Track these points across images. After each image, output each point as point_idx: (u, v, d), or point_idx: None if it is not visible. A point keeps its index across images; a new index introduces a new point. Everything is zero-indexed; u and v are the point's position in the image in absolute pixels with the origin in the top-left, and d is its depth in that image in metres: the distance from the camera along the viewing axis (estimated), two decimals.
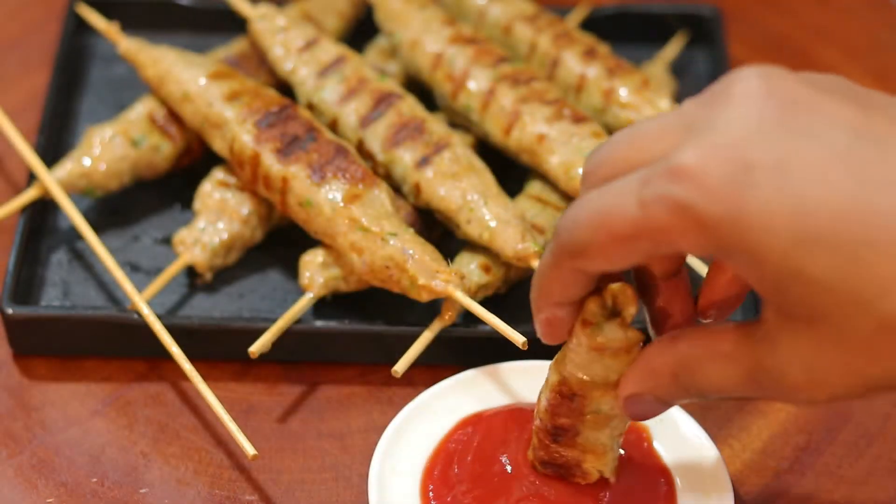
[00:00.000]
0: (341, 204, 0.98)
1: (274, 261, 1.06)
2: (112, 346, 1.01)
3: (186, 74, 1.06)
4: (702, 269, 0.99)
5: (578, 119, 1.04)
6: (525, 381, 0.95)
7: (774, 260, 0.66)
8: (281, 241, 1.06)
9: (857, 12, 1.29)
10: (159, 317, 0.98)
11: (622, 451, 0.89)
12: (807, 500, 0.94)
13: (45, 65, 1.19)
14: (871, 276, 0.65)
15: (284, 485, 0.94)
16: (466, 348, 0.99)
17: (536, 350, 0.94)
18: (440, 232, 1.04)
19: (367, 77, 1.07)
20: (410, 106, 1.05)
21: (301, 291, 1.00)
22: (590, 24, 1.21)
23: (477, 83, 1.07)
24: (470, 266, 1.00)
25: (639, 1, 1.26)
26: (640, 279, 0.80)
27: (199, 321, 0.99)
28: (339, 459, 0.96)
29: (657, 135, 0.71)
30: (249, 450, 0.91)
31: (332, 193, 0.99)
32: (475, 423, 0.92)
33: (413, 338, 0.97)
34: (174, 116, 1.08)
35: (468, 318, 0.99)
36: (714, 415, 0.98)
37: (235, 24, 1.16)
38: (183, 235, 1.03)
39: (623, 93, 1.07)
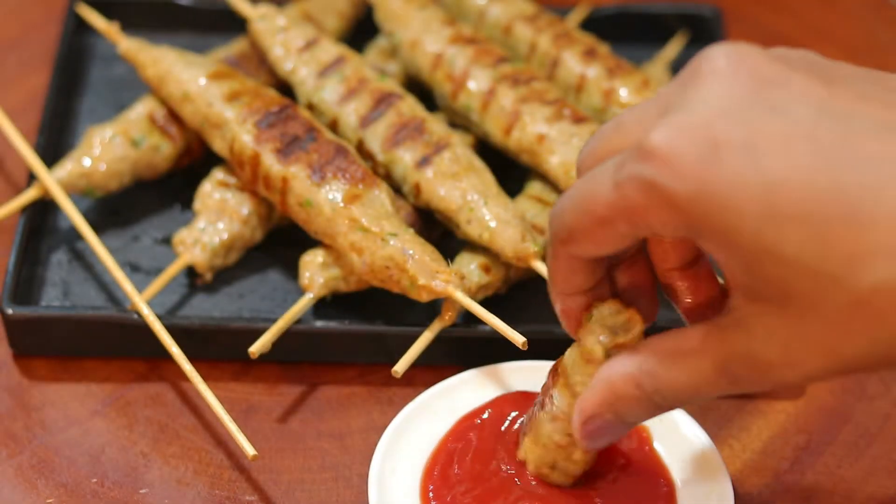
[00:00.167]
0: (341, 204, 0.98)
1: (274, 261, 1.06)
2: (112, 346, 1.01)
3: (186, 74, 1.06)
4: None
5: (578, 119, 1.04)
6: (525, 381, 0.95)
7: (744, 238, 0.67)
8: (281, 241, 1.06)
9: (857, 12, 1.29)
10: (159, 317, 0.98)
11: (622, 453, 0.90)
12: (807, 500, 0.94)
13: (45, 65, 1.19)
14: (841, 252, 0.65)
15: (284, 485, 0.94)
16: (466, 348, 0.99)
17: (536, 350, 0.94)
18: (440, 232, 1.04)
19: (367, 77, 1.07)
20: (410, 106, 1.05)
21: (301, 292, 1.00)
22: (590, 24, 1.21)
23: (477, 83, 1.07)
24: (470, 266, 1.00)
25: (639, 1, 1.26)
26: (664, 280, 0.80)
27: (199, 321, 0.99)
28: (338, 459, 0.96)
29: (636, 120, 0.72)
30: (249, 450, 0.91)
31: (332, 193, 0.99)
32: (475, 423, 0.92)
33: (413, 338, 0.97)
34: (174, 116, 1.08)
35: (468, 318, 0.99)
36: (714, 415, 0.98)
37: (235, 24, 1.16)
38: (183, 235, 1.03)
39: (623, 93, 1.07)
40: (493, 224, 0.99)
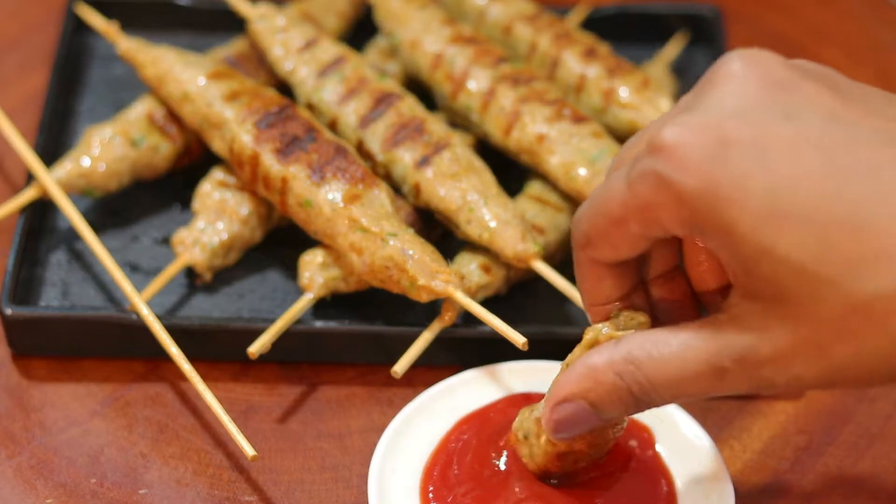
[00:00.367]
0: (341, 204, 0.98)
1: (274, 261, 1.06)
2: (111, 346, 1.01)
3: (186, 74, 1.06)
4: None
5: (578, 119, 1.04)
6: (525, 382, 0.95)
7: (745, 236, 0.68)
8: (281, 241, 1.06)
9: (857, 12, 1.29)
10: (159, 317, 0.98)
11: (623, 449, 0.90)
12: (807, 501, 0.94)
13: (45, 65, 1.19)
14: (839, 257, 0.66)
15: (284, 485, 0.94)
16: (466, 348, 0.99)
17: (536, 350, 0.94)
18: (440, 232, 1.04)
19: (367, 77, 1.07)
20: (410, 106, 1.05)
21: (301, 292, 1.00)
22: (590, 24, 1.21)
23: (477, 83, 1.07)
24: (470, 266, 1.00)
25: (639, 1, 1.26)
26: (704, 301, 0.80)
27: (198, 321, 0.99)
28: (338, 460, 0.96)
29: (657, 125, 0.73)
30: (249, 450, 0.91)
31: (332, 193, 0.98)
32: (475, 424, 0.92)
33: (413, 338, 0.97)
34: (173, 116, 1.08)
35: (468, 318, 0.99)
36: (714, 416, 0.98)
37: (235, 24, 1.16)
38: (182, 235, 1.03)
39: (623, 93, 1.07)
40: (493, 224, 0.99)
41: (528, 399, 0.91)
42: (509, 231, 0.98)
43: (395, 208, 0.99)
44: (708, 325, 0.72)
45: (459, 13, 1.15)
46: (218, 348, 1.00)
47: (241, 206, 1.04)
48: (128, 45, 1.10)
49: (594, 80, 1.09)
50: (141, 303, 0.98)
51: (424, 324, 0.98)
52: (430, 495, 0.89)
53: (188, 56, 1.08)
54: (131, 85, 1.15)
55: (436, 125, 1.04)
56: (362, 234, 0.97)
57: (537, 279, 1.01)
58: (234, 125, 1.03)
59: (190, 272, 1.05)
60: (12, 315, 0.99)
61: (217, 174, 1.06)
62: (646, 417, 0.92)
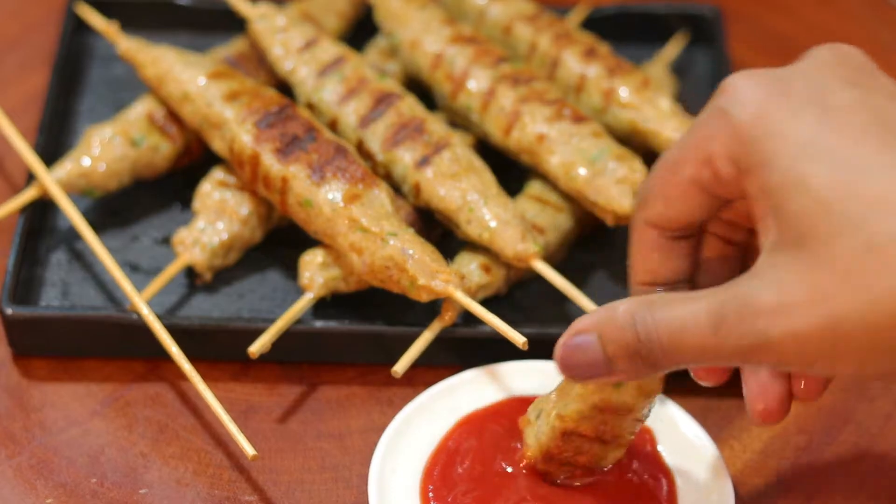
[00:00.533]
0: (341, 204, 0.98)
1: (274, 261, 1.06)
2: (111, 346, 1.01)
3: (186, 74, 1.06)
4: None
5: (578, 119, 1.04)
6: (525, 382, 0.95)
7: (782, 167, 0.71)
8: (281, 241, 1.06)
9: (857, 12, 1.29)
10: (159, 317, 0.98)
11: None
12: (807, 501, 0.94)
13: (45, 65, 1.19)
14: (867, 198, 0.68)
15: (284, 485, 0.94)
16: (466, 348, 0.99)
17: (536, 350, 0.94)
18: (440, 232, 1.04)
19: (367, 77, 1.07)
20: (410, 106, 1.05)
21: (301, 291, 1.00)
22: (590, 24, 1.21)
23: (477, 83, 1.07)
24: (470, 266, 1.00)
25: (639, 1, 1.26)
26: None
27: (198, 321, 0.99)
28: (338, 460, 0.96)
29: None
30: (249, 450, 0.91)
31: (332, 193, 0.98)
32: (475, 424, 0.92)
33: (413, 338, 0.97)
34: (173, 116, 1.08)
35: (468, 318, 0.99)
36: (715, 416, 0.98)
37: (235, 24, 1.16)
38: (182, 235, 1.03)
39: (623, 93, 1.07)
40: (493, 224, 0.99)
41: (529, 401, 0.91)
42: (509, 231, 0.98)
43: (395, 208, 0.99)
44: (726, 283, 0.73)
45: (459, 13, 1.15)
46: (218, 348, 1.00)
47: (241, 206, 1.04)
48: (128, 45, 1.10)
49: (594, 79, 1.09)
50: (141, 303, 0.98)
51: (424, 324, 0.98)
52: (430, 495, 0.89)
53: (188, 56, 1.08)
54: (131, 85, 1.15)
55: (436, 125, 1.04)
56: (362, 233, 0.97)
57: (537, 279, 1.01)
58: (234, 125, 1.03)
59: (190, 272, 1.05)
60: (12, 315, 0.99)
61: (217, 174, 1.06)
62: None
